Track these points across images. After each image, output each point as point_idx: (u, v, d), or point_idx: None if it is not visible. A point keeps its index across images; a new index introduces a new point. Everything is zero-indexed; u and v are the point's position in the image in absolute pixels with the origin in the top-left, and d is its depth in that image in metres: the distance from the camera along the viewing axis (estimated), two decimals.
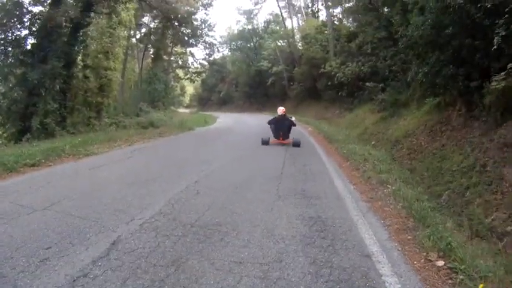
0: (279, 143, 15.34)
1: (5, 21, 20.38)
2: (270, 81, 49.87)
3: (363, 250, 4.60)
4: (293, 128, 15.84)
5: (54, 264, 3.99)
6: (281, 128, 15.75)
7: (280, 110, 16.18)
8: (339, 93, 29.96)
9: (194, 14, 44.49)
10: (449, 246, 4.57)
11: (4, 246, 4.43)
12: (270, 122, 16.25)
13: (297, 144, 15.01)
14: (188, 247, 4.49)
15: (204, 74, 62.59)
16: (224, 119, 29.73)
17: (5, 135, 20.55)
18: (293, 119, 16.39)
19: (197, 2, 44.03)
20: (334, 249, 4.55)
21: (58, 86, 20.44)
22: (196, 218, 5.57)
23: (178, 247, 4.48)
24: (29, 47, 21.15)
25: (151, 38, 43.74)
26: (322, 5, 35.73)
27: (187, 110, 63.98)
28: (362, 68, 26.38)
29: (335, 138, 17.17)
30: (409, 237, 5.16)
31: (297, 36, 50.55)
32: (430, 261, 4.40)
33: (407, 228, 5.51)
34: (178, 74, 52.50)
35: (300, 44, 48.01)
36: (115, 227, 5.14)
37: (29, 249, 4.35)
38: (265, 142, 15.48)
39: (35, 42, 20.92)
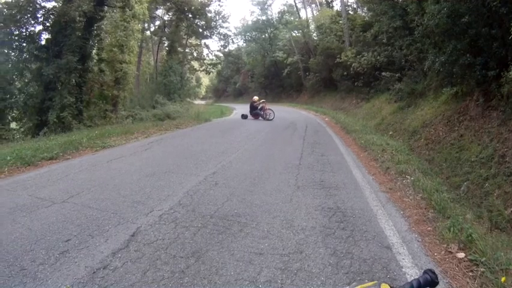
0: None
1: (18, 17, 20.58)
2: (285, 72, 49.52)
3: (382, 241, 4.55)
4: (310, 118, 17.40)
5: (73, 256, 4.01)
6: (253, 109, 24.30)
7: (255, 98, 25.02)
8: (355, 84, 29.86)
9: (208, 5, 44.41)
10: (469, 238, 4.49)
11: (24, 239, 4.46)
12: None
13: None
14: (208, 238, 4.48)
15: (219, 66, 62.42)
16: (240, 110, 29.64)
17: (22, 129, 20.80)
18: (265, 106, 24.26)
19: None
20: (354, 240, 4.51)
21: (74, 80, 20.64)
22: (215, 209, 5.57)
23: (197, 238, 4.47)
24: (43, 42, 21.37)
25: (166, 30, 43.72)
26: None
27: (203, 102, 64.07)
28: (378, 57, 26.15)
29: (352, 128, 17.04)
30: (429, 228, 5.10)
31: (312, 27, 50.22)
32: (451, 253, 4.33)
33: (427, 219, 5.44)
34: (193, 66, 52.41)
35: (314, 34, 47.84)
36: (134, 218, 5.15)
37: (49, 242, 4.37)
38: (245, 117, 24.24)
39: (49, 37, 21.12)
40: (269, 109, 23.82)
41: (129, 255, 4.02)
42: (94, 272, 3.64)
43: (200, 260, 3.88)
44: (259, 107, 23.96)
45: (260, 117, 23.49)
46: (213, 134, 15.83)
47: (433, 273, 1.52)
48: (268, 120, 22.86)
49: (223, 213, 5.39)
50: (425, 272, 1.51)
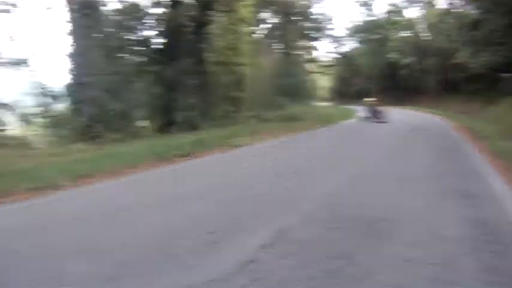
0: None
1: (128, 23, 21.65)
2: (402, 74, 47.80)
3: None
4: (435, 122, 16.92)
5: (220, 248, 4.07)
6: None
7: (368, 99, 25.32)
8: (476, 86, 27.76)
9: (311, 7, 44.54)
10: None
11: (171, 229, 4.70)
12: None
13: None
14: (356, 240, 4.33)
15: (334, 67, 61.61)
16: (362, 113, 29.18)
17: (152, 127, 21.77)
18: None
19: None
20: (507, 256, 4.04)
21: (193, 82, 21.14)
22: (360, 212, 5.39)
23: (345, 240, 4.34)
24: (160, 46, 22.28)
25: (275, 33, 43.90)
26: None
27: (324, 104, 63.42)
28: (494, 57, 23.96)
29: (481, 133, 15.88)
30: None
31: (420, 27, 48.12)
32: None
33: None
34: (308, 68, 52.25)
35: (426, 34, 45.64)
36: (276, 216, 5.12)
37: (196, 233, 4.49)
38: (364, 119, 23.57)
39: (164, 41, 21.93)
40: (381, 111, 23.22)
41: (276, 251, 3.99)
42: (243, 265, 3.64)
43: (349, 262, 3.72)
44: (374, 109, 23.60)
45: (375, 119, 22.87)
46: (342, 137, 15.91)
47: None
48: (382, 122, 22.13)
49: (369, 216, 5.20)
50: None
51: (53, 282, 3.33)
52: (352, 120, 25.98)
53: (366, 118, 23.48)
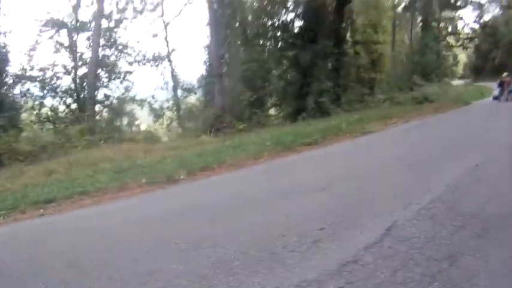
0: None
1: (269, 8, 21.68)
2: None
3: None
4: None
5: (325, 246, 4.02)
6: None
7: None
8: None
9: None
10: None
11: (279, 224, 4.71)
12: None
13: None
14: (465, 241, 4.03)
15: (476, 40, 57.02)
16: (495, 92, 26.87)
17: (281, 114, 22.04)
18: None
19: None
20: None
21: (330, 65, 20.98)
22: (477, 208, 4.96)
23: (454, 240, 4.05)
24: (296, 30, 22.18)
25: (417, 5, 41.61)
26: None
27: (461, 81, 59.15)
28: None
29: None
30: None
31: None
32: None
33: None
34: (449, 42, 48.92)
35: None
36: (391, 211, 4.94)
37: (302, 230, 4.47)
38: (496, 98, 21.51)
39: (302, 25, 21.75)
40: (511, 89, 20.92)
41: (381, 251, 3.86)
42: (344, 265, 3.57)
43: (454, 265, 3.52)
44: (504, 85, 21.61)
45: (503, 97, 21.21)
46: (473, 121, 14.76)
47: None
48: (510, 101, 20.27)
49: (485, 213, 4.79)
50: None
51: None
52: (487, 100, 23.93)
53: (497, 97, 21.88)
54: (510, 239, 4.08)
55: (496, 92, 21.64)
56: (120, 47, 25.36)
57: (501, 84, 21.70)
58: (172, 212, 5.84)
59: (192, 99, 24.87)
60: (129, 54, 25.62)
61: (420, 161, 7.85)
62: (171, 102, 26.37)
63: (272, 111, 22.79)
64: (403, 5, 43.58)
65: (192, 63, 56.51)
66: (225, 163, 8.76)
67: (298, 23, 23.00)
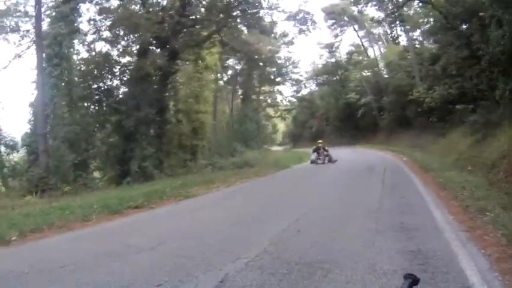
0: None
1: (95, 72, 21.92)
2: (359, 113, 49.03)
3: (463, 282, 4.48)
4: (387, 158, 17.37)
5: None
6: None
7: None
8: (430, 119, 29.18)
9: (277, 52, 45.50)
10: None
11: (116, 283, 4.71)
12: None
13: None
14: (293, 284, 4.53)
15: (294, 111, 62.83)
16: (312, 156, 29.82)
17: (105, 178, 21.74)
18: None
19: (279, 41, 44.82)
20: (435, 282, 4.44)
21: (153, 131, 21.41)
22: (299, 255, 5.58)
23: (283, 284, 4.51)
24: (121, 96, 22.54)
25: (238, 79, 44.76)
26: (401, 30, 34.75)
27: (280, 148, 63.64)
28: (450, 90, 25.30)
29: (430, 166, 16.72)
30: (509, 266, 4.90)
31: (381, 65, 50.01)
32: None
33: (508, 256, 5.22)
34: (268, 113, 53.03)
35: (385, 73, 47.68)
36: (222, 265, 5.25)
37: (140, 286, 4.62)
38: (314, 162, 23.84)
39: (127, 91, 22.20)
40: (326, 153, 24.11)
41: None
42: None
43: None
44: (321, 151, 24.18)
45: (322, 162, 23.56)
46: (293, 182, 16.27)
47: (411, 274, 1.80)
48: (332, 162, 23.18)
49: (308, 259, 5.41)
50: (405, 277, 1.80)
51: None
52: (305, 164, 26.42)
53: (314, 161, 24.05)
54: (330, 279, 4.64)
55: (313, 156, 24.08)
56: None
57: (316, 150, 24.35)
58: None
59: (16, 157, 23.33)
60: None
61: (244, 221, 8.40)
62: None
63: (97, 174, 22.31)
64: (225, 78, 46.79)
65: (17, 119, 52.50)
66: (54, 225, 8.47)
67: (123, 89, 23.51)
